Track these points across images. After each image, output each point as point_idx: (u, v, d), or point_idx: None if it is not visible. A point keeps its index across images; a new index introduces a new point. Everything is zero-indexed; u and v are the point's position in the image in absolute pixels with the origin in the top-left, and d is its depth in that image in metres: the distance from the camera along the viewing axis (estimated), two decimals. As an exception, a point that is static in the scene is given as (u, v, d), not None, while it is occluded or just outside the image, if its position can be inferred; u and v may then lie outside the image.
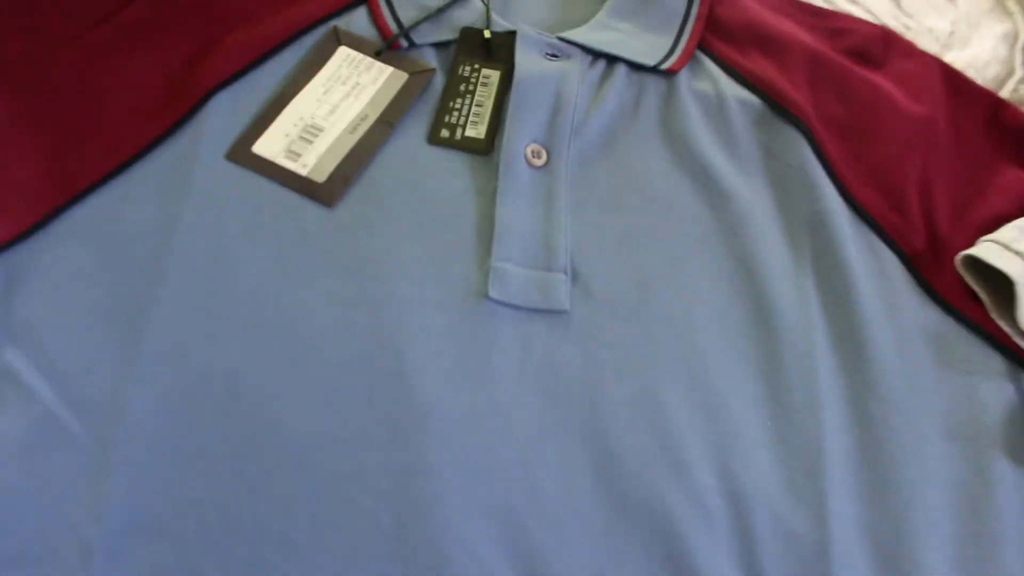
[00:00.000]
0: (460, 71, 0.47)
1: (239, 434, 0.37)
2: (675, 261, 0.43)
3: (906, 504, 0.40)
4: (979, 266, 0.45)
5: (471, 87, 0.46)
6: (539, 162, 0.44)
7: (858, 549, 0.39)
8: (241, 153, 0.43)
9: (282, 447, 0.37)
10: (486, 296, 0.41)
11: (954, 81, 0.51)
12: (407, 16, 0.48)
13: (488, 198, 0.43)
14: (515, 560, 0.36)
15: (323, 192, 0.43)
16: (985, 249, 0.44)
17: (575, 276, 0.42)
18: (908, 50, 0.51)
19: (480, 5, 0.48)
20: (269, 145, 0.44)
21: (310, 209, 0.42)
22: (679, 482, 0.38)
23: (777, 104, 0.48)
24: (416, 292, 0.41)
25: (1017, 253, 0.43)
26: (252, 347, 0.39)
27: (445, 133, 0.45)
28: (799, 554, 0.38)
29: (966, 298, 0.45)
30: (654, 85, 0.48)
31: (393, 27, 0.47)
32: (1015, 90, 0.56)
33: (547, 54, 0.47)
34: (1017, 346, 0.43)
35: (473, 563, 0.36)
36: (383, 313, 0.40)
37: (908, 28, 0.58)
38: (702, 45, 0.50)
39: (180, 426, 0.37)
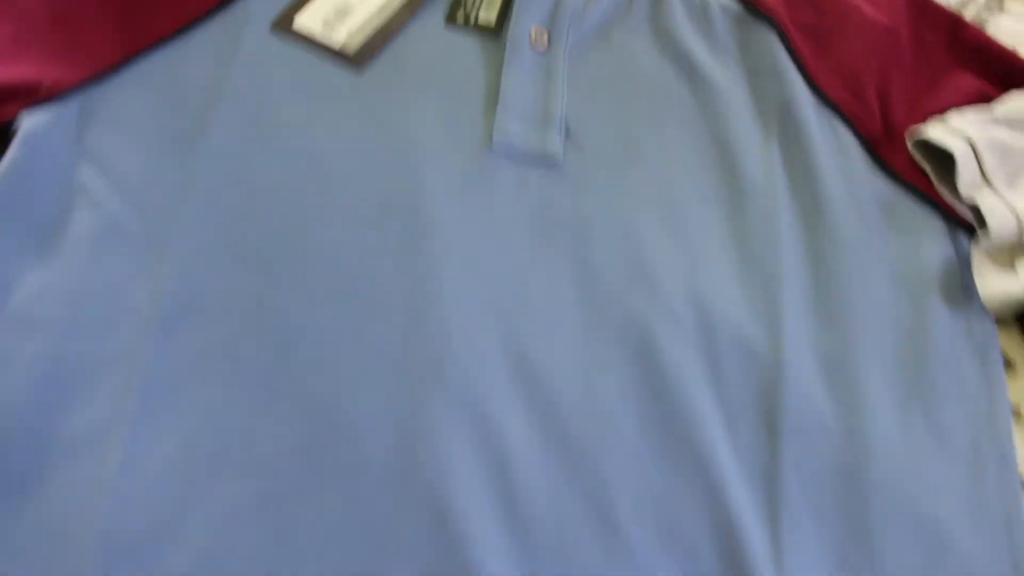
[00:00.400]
0: (476, -37, 0.54)
1: (274, 241, 0.44)
2: (657, 128, 0.50)
3: (854, 330, 0.46)
4: (927, 148, 0.51)
5: (485, -23, 0.53)
6: (542, 42, 0.51)
7: (809, 364, 0.45)
8: (284, 25, 0.50)
9: (311, 253, 0.44)
10: (490, 145, 0.48)
11: (917, 0, 0.57)
12: None
13: (495, 71, 0.50)
14: (507, 350, 0.43)
15: (353, 60, 0.50)
16: (932, 129, 0.50)
17: (568, 134, 0.49)
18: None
19: None
20: (309, 19, 0.51)
21: (341, 73, 0.49)
22: (653, 300, 0.45)
23: (755, 8, 0.54)
24: (430, 138, 0.47)
25: (959, 134, 0.50)
26: (289, 173, 0.46)
27: (460, 16, 0.52)
28: (757, 364, 0.44)
29: (915, 173, 0.51)
30: (646, -13, 0.55)
31: None
32: (976, 16, 0.62)
33: None
34: (956, 211, 0.49)
35: (473, 353, 0.42)
36: (401, 153, 0.47)
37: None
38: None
39: (225, 231, 0.44)
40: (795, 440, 0.43)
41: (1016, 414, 0.47)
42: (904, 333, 0.46)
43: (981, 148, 0.49)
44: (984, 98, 0.53)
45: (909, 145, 0.51)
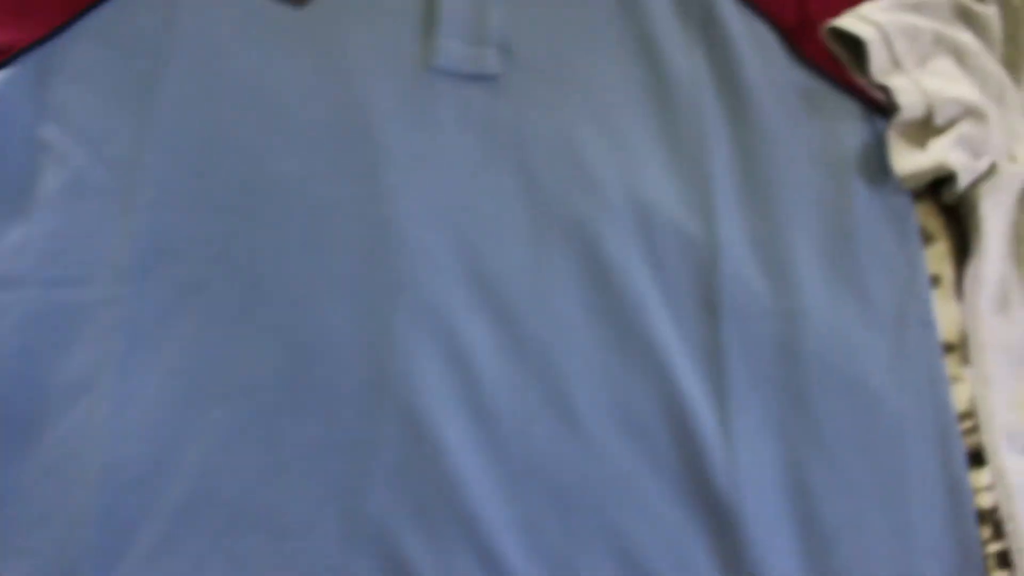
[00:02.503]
0: None
1: (235, 180, 0.47)
2: (587, 37, 0.53)
3: (782, 213, 0.49)
4: (841, 37, 0.54)
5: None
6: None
7: (742, 249, 0.48)
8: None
9: (270, 188, 0.47)
10: (432, 66, 0.50)
11: None
12: None
13: None
14: (463, 262, 0.46)
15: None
16: (843, 19, 0.53)
17: (506, 49, 0.51)
18: None
19: None
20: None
21: (284, 9, 0.51)
22: (593, 197, 0.48)
23: None
24: (373, 64, 0.50)
25: (869, 21, 0.53)
26: (242, 112, 0.48)
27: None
28: (694, 253, 0.48)
29: (830, 61, 0.54)
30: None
31: None
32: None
33: None
34: (871, 96, 0.53)
35: (431, 269, 0.46)
36: (347, 80, 0.49)
37: None
38: None
39: (189, 173, 0.47)
40: (734, 320, 0.47)
41: (935, 282, 0.51)
42: (828, 212, 0.50)
43: (891, 32, 0.52)
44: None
45: (823, 34, 0.54)
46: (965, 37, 0.55)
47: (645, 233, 0.48)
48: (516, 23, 0.52)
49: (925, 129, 0.52)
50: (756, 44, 0.53)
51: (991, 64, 0.54)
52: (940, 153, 0.51)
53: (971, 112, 0.52)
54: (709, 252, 0.48)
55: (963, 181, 0.50)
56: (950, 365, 0.49)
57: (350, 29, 0.51)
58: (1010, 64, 0.56)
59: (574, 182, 0.48)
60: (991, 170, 0.51)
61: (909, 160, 0.51)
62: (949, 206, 0.53)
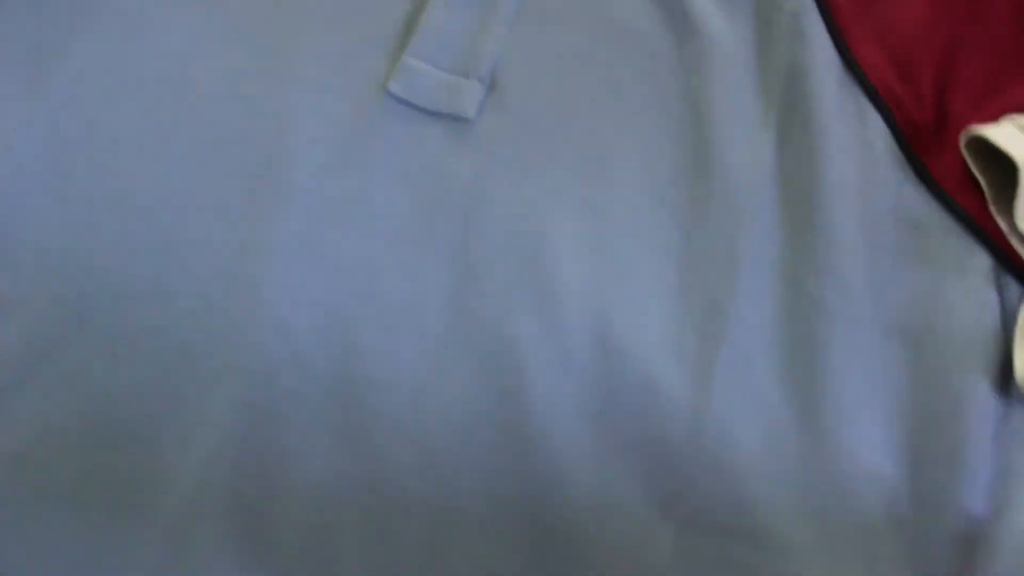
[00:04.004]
0: None
1: (100, 186, 0.36)
2: (613, 89, 0.38)
3: (828, 400, 0.34)
4: (988, 153, 0.37)
5: None
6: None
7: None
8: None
9: (131, 203, 0.36)
10: (390, 92, 0.37)
11: None
12: None
13: None
14: (330, 351, 0.33)
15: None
16: (997, 127, 0.36)
17: (493, 86, 0.38)
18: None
19: None
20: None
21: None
22: (539, 313, 0.34)
23: None
24: (316, 77, 0.38)
25: (1037, 138, 0.35)
26: (142, 103, 0.37)
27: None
28: (670, 416, 0.33)
29: (963, 186, 0.37)
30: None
31: None
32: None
33: None
34: (1012, 249, 0.36)
35: (286, 346, 0.33)
36: (275, 90, 0.37)
37: None
38: None
39: (57, 167, 0.37)
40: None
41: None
42: (898, 414, 0.34)
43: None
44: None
45: (962, 146, 0.37)
46: None
47: (602, 380, 0.33)
48: (520, 55, 0.38)
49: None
50: (858, 141, 0.37)
51: None
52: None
53: None
54: (693, 422, 0.33)
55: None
56: None
57: (305, 26, 0.39)
58: None
59: (521, 284, 0.35)
60: None
61: (1043, 360, 0.34)
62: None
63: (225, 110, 0.37)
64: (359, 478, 0.33)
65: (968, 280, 0.36)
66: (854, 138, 0.37)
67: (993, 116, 0.38)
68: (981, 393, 0.34)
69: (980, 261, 0.36)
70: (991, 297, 0.35)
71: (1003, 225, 0.36)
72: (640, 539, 0.32)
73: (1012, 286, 0.35)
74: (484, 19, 0.39)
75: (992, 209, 0.36)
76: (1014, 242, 0.35)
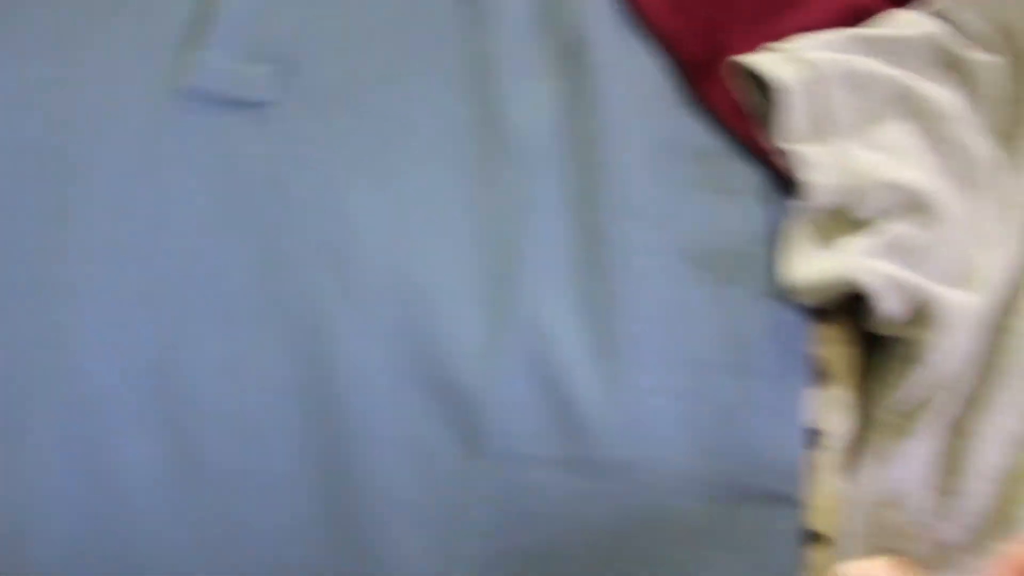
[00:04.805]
0: None
1: None
2: (402, 58, 0.40)
3: (623, 324, 0.36)
4: (755, 79, 0.39)
5: None
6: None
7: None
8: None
9: None
10: (185, 85, 0.38)
11: None
12: None
13: None
14: (148, 356, 0.35)
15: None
16: (764, 55, 0.38)
17: (289, 69, 0.39)
18: None
19: None
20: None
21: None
22: (342, 280, 0.36)
23: None
24: (113, 75, 0.39)
25: (798, 61, 0.38)
26: None
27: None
28: (468, 358, 0.35)
29: (736, 112, 0.39)
30: None
31: None
32: None
33: None
34: (776, 165, 0.38)
35: (103, 361, 0.35)
36: (71, 94, 0.39)
37: None
38: None
39: None
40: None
41: (812, 439, 0.36)
42: (689, 330, 0.37)
43: (826, 79, 0.38)
44: (857, 16, 0.41)
45: (729, 74, 0.39)
46: (939, 94, 0.39)
47: (405, 335, 0.35)
48: (312, 35, 0.40)
49: (841, 222, 0.37)
50: (637, 79, 0.39)
51: (971, 135, 0.38)
52: (849, 261, 0.36)
53: (916, 206, 0.36)
54: (486, 380, 0.35)
55: (885, 306, 0.35)
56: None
57: (107, 25, 0.40)
58: (1007, 134, 0.40)
59: (324, 257, 0.36)
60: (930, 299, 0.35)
61: (806, 265, 0.37)
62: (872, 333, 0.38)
63: (23, 122, 0.38)
64: (173, 456, 0.34)
65: (743, 200, 0.38)
66: (633, 75, 0.39)
67: (762, 44, 0.40)
68: (760, 302, 0.37)
69: (753, 181, 0.38)
70: (763, 213, 0.38)
71: (769, 145, 0.38)
72: (447, 476, 0.35)
73: (781, 201, 0.38)
74: (274, 3, 0.40)
75: (759, 131, 0.39)
76: (780, 160, 0.38)
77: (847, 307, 0.37)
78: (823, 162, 0.37)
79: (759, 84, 0.39)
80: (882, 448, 0.36)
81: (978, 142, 0.38)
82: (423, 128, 0.38)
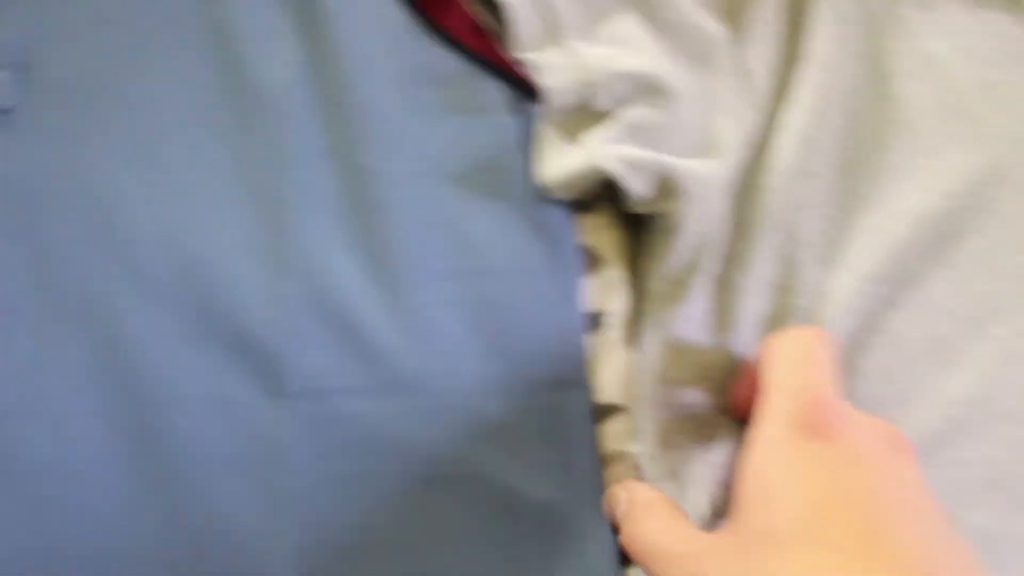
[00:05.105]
0: None
1: None
2: (141, 42, 0.40)
3: (400, 255, 0.38)
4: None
5: None
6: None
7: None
8: None
9: None
10: None
11: None
12: None
13: None
14: None
15: None
16: (485, -24, 0.40)
17: (28, 70, 0.39)
18: None
19: None
20: None
21: None
22: (119, 261, 0.37)
23: None
24: None
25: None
26: None
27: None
28: (255, 309, 0.37)
29: (476, 33, 0.41)
30: None
31: None
32: None
33: None
34: (522, 75, 0.40)
35: None
36: None
37: None
38: None
39: None
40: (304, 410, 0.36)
41: (595, 321, 0.39)
42: (460, 242, 0.39)
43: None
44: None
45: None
46: (659, -19, 0.41)
47: (191, 299, 0.37)
48: (46, 34, 0.40)
49: (584, 118, 0.40)
50: (369, 23, 0.41)
51: (696, 15, 0.41)
52: (592, 151, 0.38)
53: (648, 89, 0.39)
54: (276, 328, 0.37)
55: (632, 186, 0.38)
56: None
57: None
58: (730, 11, 0.42)
59: (95, 242, 0.37)
60: (675, 170, 0.38)
61: (556, 163, 0.39)
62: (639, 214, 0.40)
63: None
64: None
65: (494, 115, 0.40)
66: (370, 15, 0.41)
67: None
68: (523, 206, 0.39)
69: (501, 96, 0.40)
70: (514, 125, 0.40)
71: (515, 57, 0.40)
72: (257, 423, 0.36)
73: (530, 109, 0.40)
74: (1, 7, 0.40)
75: (497, 47, 0.41)
76: (521, 71, 0.40)
77: (607, 195, 0.40)
78: (555, 64, 0.39)
79: (488, 3, 0.40)
80: (661, 315, 0.39)
81: (707, 21, 0.41)
82: (173, 102, 0.39)
